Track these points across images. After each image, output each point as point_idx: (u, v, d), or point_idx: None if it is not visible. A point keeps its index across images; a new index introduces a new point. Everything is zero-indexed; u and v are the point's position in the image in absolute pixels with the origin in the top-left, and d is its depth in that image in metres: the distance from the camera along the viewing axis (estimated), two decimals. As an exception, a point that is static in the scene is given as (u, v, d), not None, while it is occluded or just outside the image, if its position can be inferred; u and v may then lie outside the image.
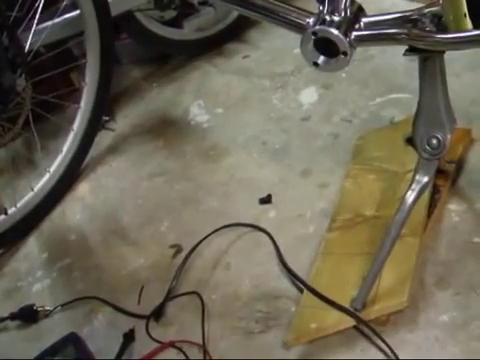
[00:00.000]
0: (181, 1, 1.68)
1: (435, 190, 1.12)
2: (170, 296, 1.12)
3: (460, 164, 1.19)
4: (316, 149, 1.37)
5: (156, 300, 1.12)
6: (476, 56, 1.34)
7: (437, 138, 0.87)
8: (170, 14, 1.71)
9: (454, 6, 0.72)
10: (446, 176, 1.15)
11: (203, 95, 1.64)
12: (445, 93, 0.84)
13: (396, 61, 1.47)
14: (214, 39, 1.80)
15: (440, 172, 1.15)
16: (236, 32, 1.82)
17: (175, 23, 1.75)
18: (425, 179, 0.89)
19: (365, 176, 1.20)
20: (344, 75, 1.56)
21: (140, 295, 1.15)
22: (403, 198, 0.89)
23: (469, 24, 0.73)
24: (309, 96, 1.55)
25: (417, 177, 0.90)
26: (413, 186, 0.90)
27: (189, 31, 1.76)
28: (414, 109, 0.93)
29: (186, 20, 1.76)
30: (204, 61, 1.77)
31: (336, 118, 1.43)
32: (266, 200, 1.28)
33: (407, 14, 0.82)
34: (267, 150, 1.41)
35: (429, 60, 0.81)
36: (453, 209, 1.12)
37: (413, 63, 1.37)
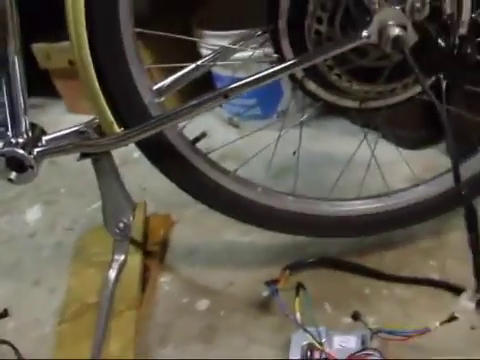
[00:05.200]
0: None
1: (146, 269, 1.32)
2: None
3: (165, 244, 1.40)
4: (44, 259, 1.48)
5: None
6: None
7: (123, 222, 1.05)
8: None
9: (103, 118, 0.93)
10: (153, 256, 1.35)
11: None
12: (120, 185, 1.02)
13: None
14: None
15: (148, 254, 1.36)
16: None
17: None
18: (121, 257, 1.07)
19: (87, 271, 1.34)
20: (63, 190, 1.72)
21: None
22: (106, 277, 1.06)
23: (117, 129, 0.94)
24: (34, 214, 1.67)
25: (115, 257, 1.07)
26: (113, 265, 1.07)
27: None
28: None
29: None
30: None
31: (59, 228, 1.57)
32: (3, 314, 1.37)
33: (78, 128, 1.01)
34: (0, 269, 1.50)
35: (100, 161, 1.00)
36: (164, 281, 1.31)
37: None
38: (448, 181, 1.05)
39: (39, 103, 2.29)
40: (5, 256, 1.54)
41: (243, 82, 0.86)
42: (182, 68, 1.02)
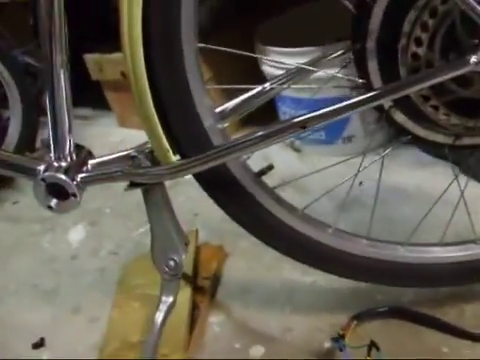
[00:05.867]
0: None
1: (195, 306, 1.20)
2: None
3: (216, 279, 1.28)
4: (85, 285, 1.39)
5: None
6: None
7: (174, 260, 0.94)
8: None
9: (157, 145, 0.81)
10: (204, 292, 1.23)
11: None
12: (172, 218, 0.92)
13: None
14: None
15: (198, 289, 1.24)
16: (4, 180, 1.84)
17: None
18: (170, 299, 0.95)
19: (130, 304, 1.24)
20: (108, 210, 1.62)
21: None
22: (152, 320, 0.95)
23: (172, 158, 0.82)
24: (77, 234, 1.58)
25: (163, 298, 0.96)
26: (160, 307, 0.95)
27: None
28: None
29: None
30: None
31: (103, 252, 1.48)
32: (39, 344, 1.28)
33: (128, 152, 0.90)
34: (38, 293, 1.41)
35: (151, 191, 0.88)
36: (214, 321, 1.18)
37: (171, 190, 1.49)
38: None
39: (89, 115, 2.24)
40: (45, 279, 1.44)
41: (325, 111, 0.73)
42: (248, 89, 0.89)
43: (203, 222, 1.40)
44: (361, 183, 1.30)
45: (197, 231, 1.34)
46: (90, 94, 2.02)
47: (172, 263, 0.96)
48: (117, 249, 1.47)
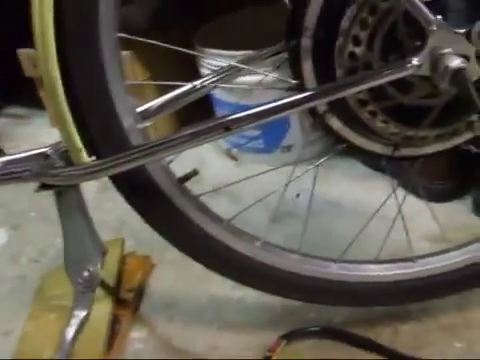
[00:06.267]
0: None
1: (116, 320, 1.11)
2: None
3: (141, 291, 1.20)
4: (2, 294, 1.29)
5: None
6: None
7: (88, 270, 0.85)
8: None
9: (69, 143, 0.73)
10: (126, 305, 1.14)
11: None
12: (88, 225, 0.84)
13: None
14: None
15: (120, 301, 1.15)
16: None
17: None
18: (83, 313, 0.88)
19: (46, 316, 1.15)
20: (33, 214, 1.53)
21: None
22: (62, 336, 0.86)
23: (86, 158, 0.74)
24: (-1, 238, 1.48)
25: (75, 312, 0.88)
26: (71, 321, 0.87)
27: None
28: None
29: None
30: None
31: (24, 259, 1.38)
32: None
33: (43, 150, 0.81)
34: None
35: (64, 194, 0.80)
36: (135, 337, 1.11)
37: (99, 194, 1.40)
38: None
39: (22, 113, 2.13)
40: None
41: (251, 112, 0.66)
42: (177, 87, 0.82)
43: (130, 230, 1.32)
44: (298, 195, 1.24)
45: (123, 240, 1.26)
46: (24, 92, 1.92)
47: (86, 274, 0.88)
48: (39, 256, 1.38)
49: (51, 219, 1.46)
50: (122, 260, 1.25)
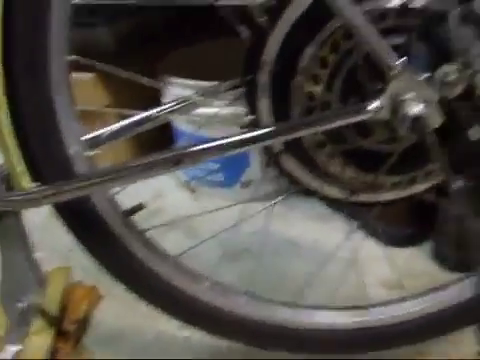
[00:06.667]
0: None
1: (55, 353, 1.05)
2: None
3: (85, 323, 1.14)
4: None
5: None
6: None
7: (24, 303, 0.81)
8: None
9: (11, 167, 0.69)
10: (68, 337, 1.09)
11: None
12: (27, 254, 0.80)
13: None
14: None
15: (62, 334, 1.09)
16: None
17: None
18: (15, 348, 0.83)
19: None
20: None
21: None
22: (-10, 372, 0.81)
23: (28, 183, 0.70)
24: None
25: (7, 346, 0.83)
26: (1, 355, 0.82)
27: None
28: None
29: None
30: None
31: None
32: None
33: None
34: None
35: (3, 220, 0.76)
36: (74, 372, 1.05)
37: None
38: (447, 298, 0.87)
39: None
40: None
41: (203, 147, 0.63)
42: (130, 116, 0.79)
43: (78, 259, 1.26)
44: (254, 233, 1.21)
45: (70, 268, 1.20)
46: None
47: (21, 306, 0.82)
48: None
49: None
50: (67, 290, 1.19)
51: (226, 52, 1.36)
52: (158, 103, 1.40)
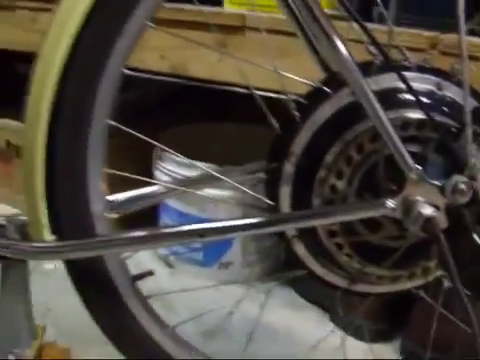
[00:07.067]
0: None
1: None
2: None
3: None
4: None
5: None
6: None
7: (15, 354, 0.82)
8: None
9: (34, 218, 0.72)
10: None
11: None
12: (27, 305, 0.81)
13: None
14: None
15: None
16: None
17: None
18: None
19: None
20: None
21: None
22: None
23: (48, 235, 0.73)
24: None
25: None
26: None
27: None
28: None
29: None
30: None
31: None
32: None
33: (-4, 220, 0.79)
34: None
35: (11, 269, 0.78)
36: None
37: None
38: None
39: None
40: None
41: (228, 224, 0.68)
42: (145, 185, 0.83)
43: (54, 319, 1.27)
44: (231, 313, 1.24)
45: (44, 327, 1.20)
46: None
47: (11, 358, 0.83)
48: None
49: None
50: (40, 349, 1.19)
51: (225, 136, 1.43)
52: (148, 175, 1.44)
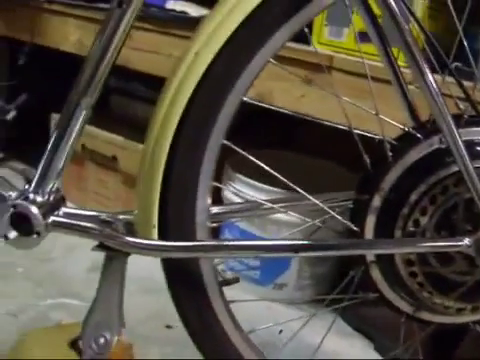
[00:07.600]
0: None
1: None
2: None
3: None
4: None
5: None
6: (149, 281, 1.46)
7: (105, 337, 0.90)
8: None
9: (145, 218, 0.82)
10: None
11: None
12: (121, 295, 0.90)
13: (75, 268, 1.53)
14: None
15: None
16: None
17: None
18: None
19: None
20: (20, 270, 1.55)
21: None
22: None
23: (156, 235, 0.83)
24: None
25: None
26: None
27: None
28: (83, 316, 0.94)
29: None
30: None
31: (2, 310, 1.39)
32: None
33: (102, 215, 0.89)
34: None
35: (114, 260, 0.87)
36: None
37: (91, 274, 1.44)
38: None
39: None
40: None
41: (321, 243, 0.77)
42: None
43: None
44: (281, 331, 1.32)
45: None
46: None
47: (102, 340, 0.92)
48: (18, 312, 1.38)
49: (36, 280, 1.50)
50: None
51: (289, 163, 1.52)
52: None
